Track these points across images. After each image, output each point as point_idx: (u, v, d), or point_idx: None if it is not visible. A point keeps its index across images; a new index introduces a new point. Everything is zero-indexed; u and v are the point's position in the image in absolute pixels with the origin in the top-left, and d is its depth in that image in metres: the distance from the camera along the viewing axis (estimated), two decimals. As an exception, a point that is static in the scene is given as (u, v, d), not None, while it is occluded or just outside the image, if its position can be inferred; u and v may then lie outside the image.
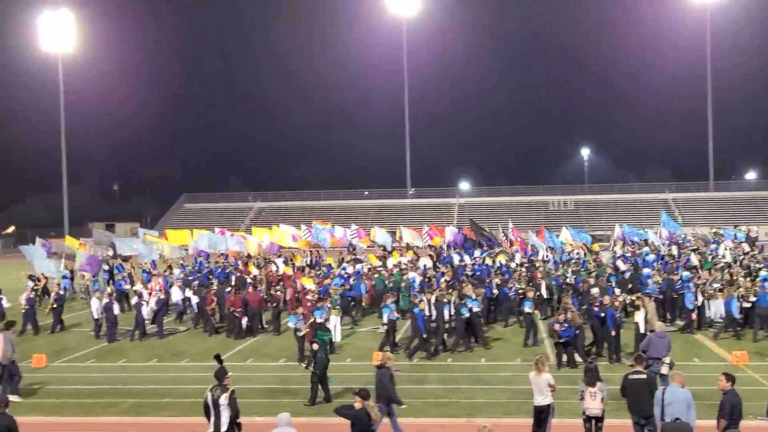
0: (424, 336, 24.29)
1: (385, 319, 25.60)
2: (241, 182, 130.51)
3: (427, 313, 25.16)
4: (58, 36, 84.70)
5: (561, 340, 22.57)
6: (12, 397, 20.43)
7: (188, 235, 45.50)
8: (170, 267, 40.34)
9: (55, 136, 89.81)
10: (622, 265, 35.37)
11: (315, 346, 19.72)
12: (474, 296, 26.26)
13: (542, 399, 15.44)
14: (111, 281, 41.50)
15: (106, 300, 29.18)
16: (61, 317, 31.70)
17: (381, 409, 16.13)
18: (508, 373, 22.40)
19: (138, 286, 32.16)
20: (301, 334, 23.72)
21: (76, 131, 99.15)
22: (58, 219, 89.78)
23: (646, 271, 32.24)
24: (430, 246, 47.60)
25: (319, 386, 19.43)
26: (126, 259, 40.77)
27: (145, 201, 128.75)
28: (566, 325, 22.42)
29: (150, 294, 30.82)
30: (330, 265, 39.93)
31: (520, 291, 29.60)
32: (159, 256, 41.13)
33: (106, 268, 41.76)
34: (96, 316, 29.37)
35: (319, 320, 24.77)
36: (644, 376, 15.11)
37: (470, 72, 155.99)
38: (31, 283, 33.84)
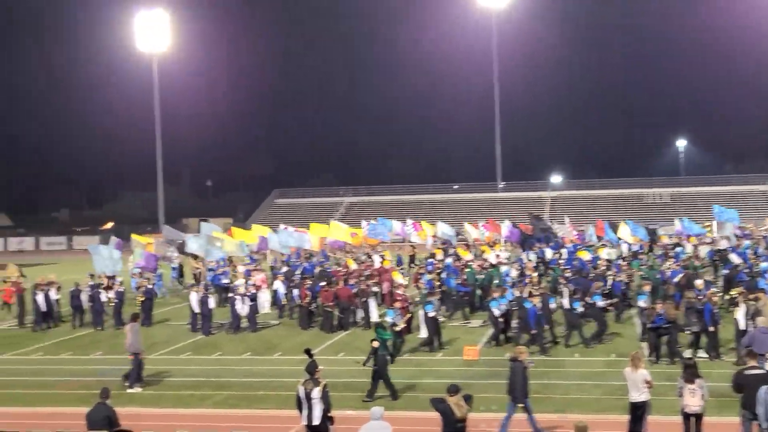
0: (533, 331, 24.14)
1: (497, 313, 25.44)
2: (332, 177, 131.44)
3: (504, 309, 25.41)
4: (153, 36, 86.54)
5: (649, 325, 22.31)
6: (135, 388, 21.16)
7: (253, 233, 45.55)
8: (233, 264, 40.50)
9: (151, 134, 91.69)
10: (736, 259, 34.19)
11: (375, 344, 19.74)
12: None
13: (638, 395, 15.14)
14: (180, 279, 42.43)
15: (201, 293, 29.73)
16: (151, 312, 32.29)
17: (526, 405, 16.06)
18: (602, 368, 22.04)
19: (240, 281, 32.57)
20: (398, 329, 23.82)
21: (170, 129, 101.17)
22: (154, 215, 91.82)
23: (764, 265, 30.89)
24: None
25: (381, 383, 19.58)
26: (195, 257, 41.31)
27: (238, 197, 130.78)
28: (662, 315, 22.06)
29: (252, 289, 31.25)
30: (432, 258, 39.82)
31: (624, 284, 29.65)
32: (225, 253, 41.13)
33: (174, 266, 42.61)
34: (197, 310, 29.71)
35: (431, 314, 24.84)
36: (763, 371, 14.72)
37: (561, 63, 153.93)
38: (120, 278, 34.64)
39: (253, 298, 30.21)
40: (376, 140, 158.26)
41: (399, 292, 28.16)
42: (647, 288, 26.49)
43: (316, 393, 14.34)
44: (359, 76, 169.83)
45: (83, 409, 15.09)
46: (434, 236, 47.81)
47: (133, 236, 42.29)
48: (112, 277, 34.41)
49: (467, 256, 39.25)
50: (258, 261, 41.99)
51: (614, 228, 45.19)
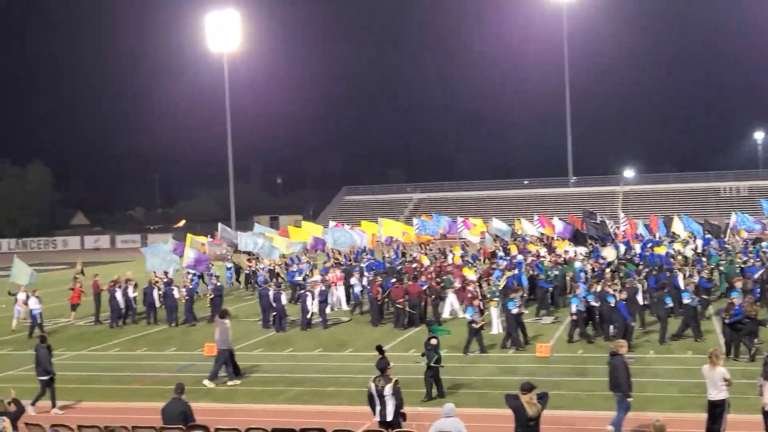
0: (633, 324, 23.92)
1: (573, 309, 25.15)
2: (400, 173, 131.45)
3: (595, 303, 24.98)
4: (223, 35, 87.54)
5: (727, 321, 21.83)
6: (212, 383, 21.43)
7: (304, 231, 45.65)
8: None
9: (222, 133, 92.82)
10: None
11: (434, 341, 19.49)
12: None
13: (717, 393, 14.80)
14: (236, 279, 42.78)
15: (275, 290, 29.99)
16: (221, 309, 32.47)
17: (622, 401, 15.86)
18: (678, 366, 21.64)
19: (316, 277, 32.76)
20: (477, 326, 23.68)
21: (241, 127, 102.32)
22: (225, 213, 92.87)
23: None
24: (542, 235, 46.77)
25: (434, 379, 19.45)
26: (249, 255, 41.63)
27: (307, 194, 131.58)
28: (740, 309, 21.62)
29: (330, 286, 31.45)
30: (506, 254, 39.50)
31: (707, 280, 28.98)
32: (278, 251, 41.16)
33: (229, 266, 43.12)
34: (275, 305, 29.94)
35: (514, 311, 24.62)
36: None
37: (634, 56, 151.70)
38: (190, 275, 35.19)
39: (324, 296, 30.37)
40: (445, 136, 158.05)
41: (470, 288, 27.98)
42: (739, 284, 25.86)
43: (388, 390, 14.35)
44: (429, 73, 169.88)
45: (159, 404, 15.33)
46: (489, 233, 47.42)
47: (190, 236, 42.73)
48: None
49: (541, 251, 38.95)
50: (314, 259, 42.30)
51: (668, 223, 44.50)
